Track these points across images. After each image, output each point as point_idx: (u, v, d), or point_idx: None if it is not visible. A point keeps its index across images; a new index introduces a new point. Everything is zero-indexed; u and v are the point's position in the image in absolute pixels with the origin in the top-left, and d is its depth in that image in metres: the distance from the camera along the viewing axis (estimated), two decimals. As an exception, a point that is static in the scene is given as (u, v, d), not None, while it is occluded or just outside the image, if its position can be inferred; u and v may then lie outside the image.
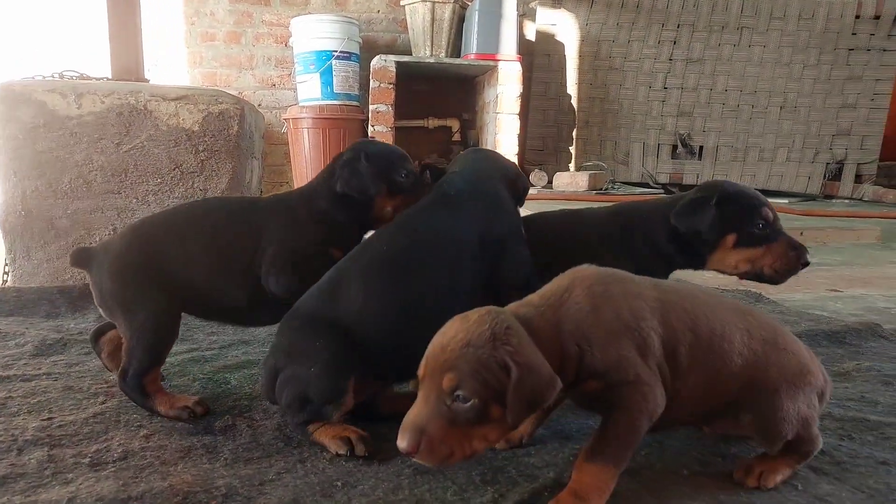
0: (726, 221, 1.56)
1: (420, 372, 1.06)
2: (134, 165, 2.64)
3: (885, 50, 7.07)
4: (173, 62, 6.58)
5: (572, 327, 1.12)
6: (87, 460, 1.29)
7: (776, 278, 1.61)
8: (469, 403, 1.01)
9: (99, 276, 1.60)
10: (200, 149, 2.67)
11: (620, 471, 1.11)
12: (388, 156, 1.74)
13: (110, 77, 3.00)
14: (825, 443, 1.39)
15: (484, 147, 1.86)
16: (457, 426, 1.02)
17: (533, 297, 1.17)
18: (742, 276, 1.63)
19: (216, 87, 6.04)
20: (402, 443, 1.02)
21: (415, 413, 1.04)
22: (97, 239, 2.65)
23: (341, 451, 1.33)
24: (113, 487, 1.18)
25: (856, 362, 1.92)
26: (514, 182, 1.70)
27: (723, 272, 1.65)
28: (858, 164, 7.26)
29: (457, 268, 1.47)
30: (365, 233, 1.75)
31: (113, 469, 1.26)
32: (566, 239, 1.72)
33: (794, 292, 2.96)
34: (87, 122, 2.59)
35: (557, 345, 1.10)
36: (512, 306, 1.15)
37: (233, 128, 2.69)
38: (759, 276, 1.62)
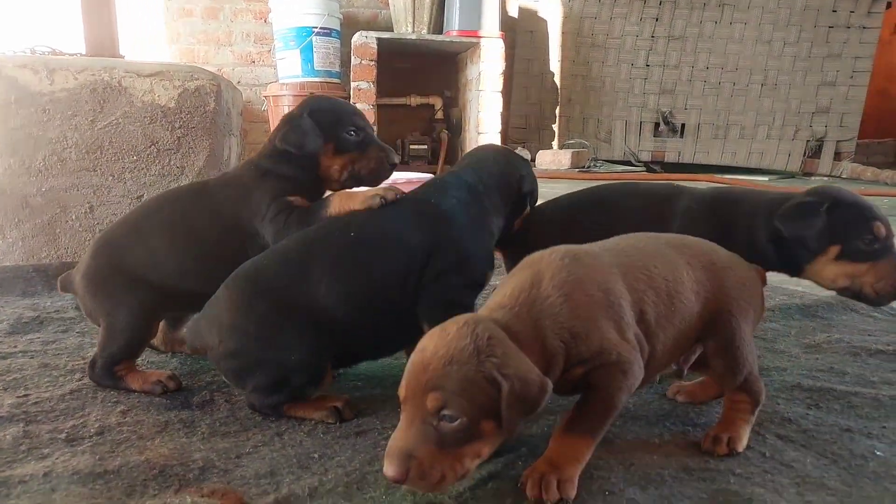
0: (833, 231, 1.46)
1: (401, 393, 1.01)
2: (109, 142, 2.61)
3: (864, 27, 7.10)
4: (151, 39, 6.46)
5: (551, 324, 1.09)
6: (63, 436, 1.29)
7: (877, 300, 1.49)
8: (457, 422, 0.96)
9: (80, 294, 1.63)
10: (177, 126, 2.64)
11: (597, 442, 1.13)
12: (334, 111, 1.66)
13: (84, 53, 2.94)
14: (793, 412, 1.43)
15: (491, 144, 1.82)
16: (446, 447, 0.96)
17: (501, 299, 1.12)
18: (840, 291, 1.52)
19: (193, 64, 5.95)
20: (390, 470, 0.95)
21: (400, 437, 0.98)
22: (73, 217, 2.62)
23: (330, 421, 1.36)
24: (89, 462, 1.18)
25: (826, 335, 1.95)
26: (508, 187, 1.60)
27: (819, 284, 1.55)
28: (838, 141, 7.32)
29: (409, 275, 1.42)
30: (320, 192, 1.68)
31: (89, 444, 1.26)
32: (644, 218, 1.60)
33: (770, 267, 3.00)
34: (60, 99, 2.55)
35: (540, 344, 1.07)
36: (485, 311, 1.11)
37: (209, 104, 2.66)
38: (858, 295, 1.50)
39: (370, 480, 1.14)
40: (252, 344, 1.35)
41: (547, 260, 1.16)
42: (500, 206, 1.59)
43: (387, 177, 1.70)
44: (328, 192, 1.64)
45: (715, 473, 1.17)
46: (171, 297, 1.59)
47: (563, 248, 1.20)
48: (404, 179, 4.65)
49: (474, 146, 6.15)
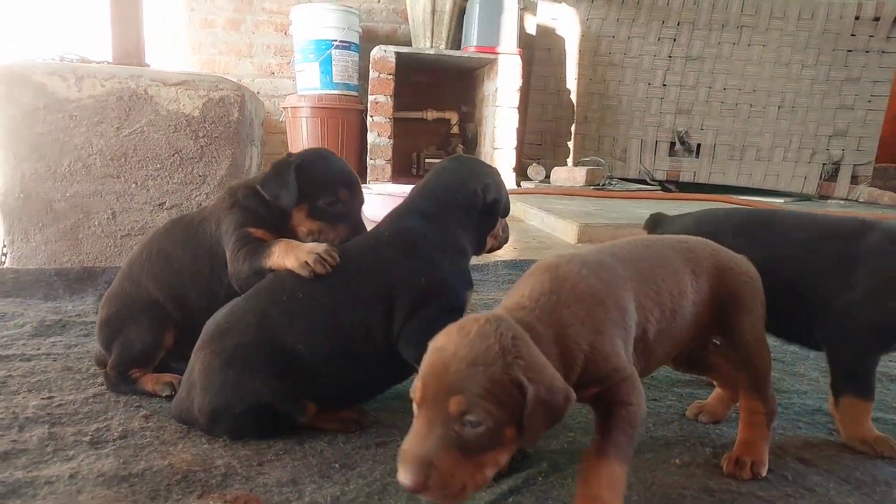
0: None
1: (416, 395, 0.93)
2: (133, 150, 2.64)
3: (883, 52, 7.09)
4: (173, 49, 6.56)
5: (574, 333, 1.04)
6: (87, 438, 1.30)
7: None
8: (481, 428, 0.89)
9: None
10: (200, 135, 2.68)
11: (629, 466, 1.08)
12: (321, 174, 1.58)
13: (111, 61, 2.99)
14: (815, 436, 1.42)
15: (454, 156, 1.67)
16: (468, 454, 0.89)
17: (520, 300, 1.07)
18: None
19: (216, 74, 6.03)
20: (408, 478, 0.87)
21: (416, 443, 0.90)
22: (96, 223, 2.65)
23: (351, 430, 1.38)
24: (114, 465, 1.20)
25: (846, 359, 1.94)
26: (469, 200, 1.47)
27: None
28: (855, 165, 7.29)
29: (370, 325, 1.36)
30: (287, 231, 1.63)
31: (113, 447, 1.27)
32: (815, 258, 1.41)
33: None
34: (87, 106, 2.59)
35: (560, 351, 1.03)
36: (503, 311, 1.05)
37: (233, 114, 2.69)
38: None
39: (391, 491, 1.14)
40: (227, 399, 1.31)
41: (565, 268, 1.12)
42: (464, 221, 1.47)
43: None
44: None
45: (736, 496, 1.16)
46: (187, 323, 1.61)
47: (577, 257, 1.16)
48: (386, 192, 4.69)
49: (489, 161, 6.17)
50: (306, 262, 1.38)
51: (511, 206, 1.59)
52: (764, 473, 1.23)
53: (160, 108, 2.65)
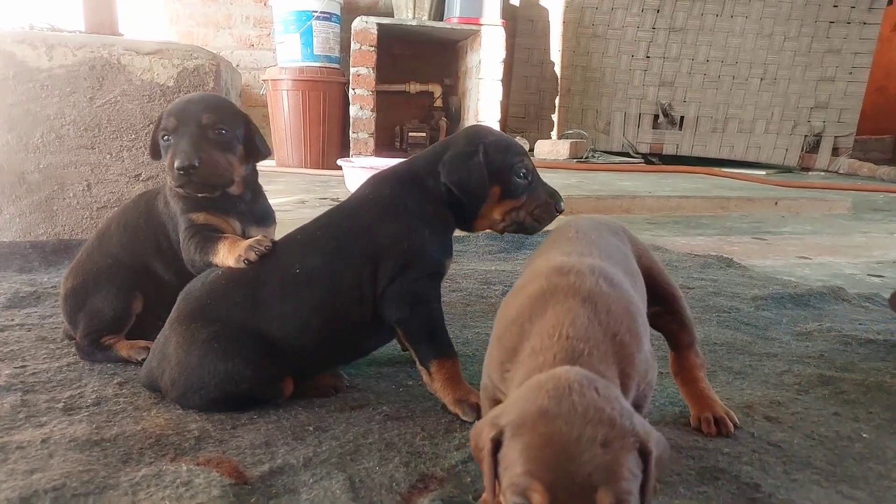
0: None
1: (538, 500, 0.70)
2: (107, 120, 2.60)
3: (865, 23, 7.11)
4: (150, 20, 6.43)
5: (631, 369, 0.91)
6: (60, 405, 1.30)
7: None
8: None
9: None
10: (176, 105, 2.64)
11: None
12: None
13: (83, 30, 2.93)
14: (783, 396, 1.45)
15: (474, 125, 1.51)
16: None
17: (572, 343, 0.88)
18: None
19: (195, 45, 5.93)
20: None
21: None
22: (71, 195, 2.62)
23: (327, 395, 1.38)
24: (86, 430, 1.20)
25: (818, 324, 1.97)
26: (437, 177, 1.42)
27: None
28: (836, 136, 7.35)
29: (361, 287, 1.35)
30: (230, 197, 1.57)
31: (86, 413, 1.27)
32: None
33: (765, 259, 3.02)
34: (59, 76, 2.54)
35: (622, 393, 0.87)
36: (563, 361, 0.86)
37: (208, 84, 2.65)
38: None
39: (364, 452, 1.16)
40: (202, 379, 1.29)
41: (586, 287, 0.96)
42: (437, 194, 1.42)
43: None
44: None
45: (703, 452, 1.19)
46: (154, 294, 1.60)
47: (584, 267, 1.01)
48: (369, 166, 4.66)
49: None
50: (239, 256, 1.38)
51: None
52: (733, 430, 1.26)
53: (134, 78, 2.61)
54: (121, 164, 2.65)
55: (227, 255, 1.40)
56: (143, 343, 1.55)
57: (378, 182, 1.48)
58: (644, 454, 0.74)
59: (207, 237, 1.46)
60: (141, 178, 2.68)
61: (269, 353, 1.31)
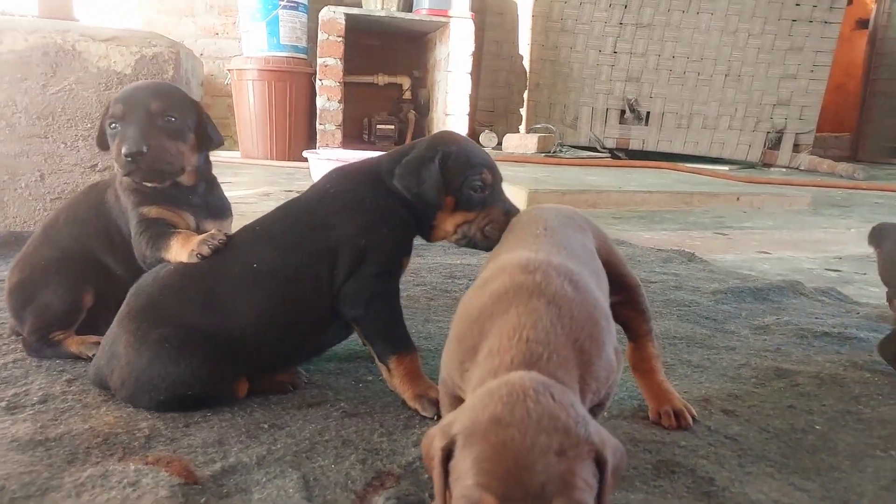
0: None
1: None
2: (62, 108, 2.52)
3: (826, 22, 7.25)
4: (111, 8, 6.26)
5: (591, 373, 0.89)
6: (3, 404, 1.25)
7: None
8: None
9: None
10: (133, 93, 2.56)
11: None
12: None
13: (36, 15, 2.83)
14: (740, 389, 1.47)
15: (442, 132, 1.47)
16: None
17: (529, 346, 0.85)
18: None
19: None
20: None
21: None
22: (23, 185, 2.53)
23: (284, 392, 1.35)
24: (30, 430, 1.15)
25: (775, 317, 2.01)
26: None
27: None
28: (797, 133, 7.50)
29: (320, 281, 1.32)
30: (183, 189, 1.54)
31: (31, 412, 1.23)
32: None
33: (726, 253, 3.07)
34: (9, 61, 2.45)
35: (581, 399, 0.85)
36: (522, 366, 0.83)
37: (167, 72, 2.59)
38: None
39: (320, 450, 1.13)
40: (152, 380, 1.25)
41: (552, 289, 0.93)
42: (396, 196, 1.38)
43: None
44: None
45: (660, 445, 1.19)
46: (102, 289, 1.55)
47: (550, 267, 0.97)
48: (335, 158, 4.62)
49: (442, 128, 6.19)
50: (192, 251, 1.34)
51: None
52: (692, 423, 1.27)
53: (89, 65, 2.53)
54: (76, 153, 2.57)
55: (180, 251, 1.36)
56: (94, 338, 1.50)
57: (339, 176, 1.45)
58: (600, 463, 0.71)
59: (159, 232, 1.42)
60: (97, 169, 2.61)
61: (222, 354, 1.27)
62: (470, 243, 1.40)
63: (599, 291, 1.05)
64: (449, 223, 1.39)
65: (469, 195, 1.36)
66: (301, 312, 1.33)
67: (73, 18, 2.86)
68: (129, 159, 1.39)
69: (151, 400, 1.25)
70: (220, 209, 1.61)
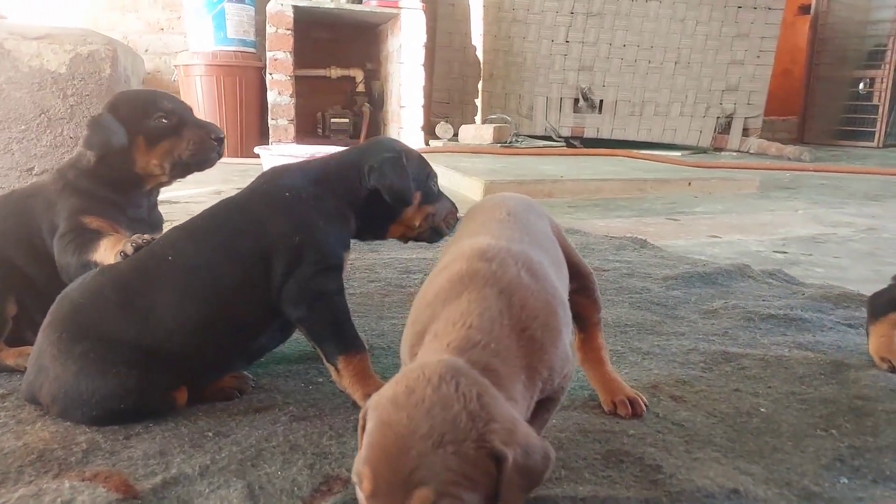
0: None
1: (364, 485, 0.71)
2: (-7, 110, 2.42)
3: (769, 8, 7.42)
4: (48, 4, 6.03)
5: (536, 361, 0.88)
6: (-70, 424, 1.19)
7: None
8: None
9: None
10: (69, 93, 2.47)
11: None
12: (136, 100, 1.52)
13: (-37, 12, 2.71)
14: (688, 374, 1.49)
15: (387, 137, 1.65)
16: None
17: (469, 332, 0.85)
18: None
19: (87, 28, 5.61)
20: None
21: None
22: (-46, 191, 2.43)
23: (231, 398, 1.33)
24: (-42, 450, 1.10)
25: (724, 301, 2.04)
26: (350, 179, 1.41)
27: None
28: (745, 118, 7.67)
29: (251, 286, 1.29)
30: (137, 198, 1.56)
31: (-40, 431, 1.17)
32: None
33: (677, 239, 3.11)
34: (-65, 62, 2.34)
35: (521, 388, 0.85)
36: (450, 350, 0.84)
37: (105, 70, 2.50)
38: None
39: (266, 456, 1.11)
40: (82, 396, 1.20)
41: (506, 278, 0.92)
42: (348, 196, 1.39)
43: (214, 154, 1.58)
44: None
45: (610, 435, 1.20)
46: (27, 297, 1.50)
47: (509, 255, 0.97)
48: (324, 154, 4.56)
49: (396, 120, 6.12)
50: (119, 252, 1.32)
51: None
52: (645, 411, 1.28)
53: (20, 65, 2.43)
54: (10, 157, 2.47)
55: (108, 252, 1.33)
56: (29, 350, 1.43)
57: (275, 174, 1.42)
58: (498, 460, 0.71)
59: (88, 237, 1.38)
60: (34, 173, 2.51)
61: (153, 363, 1.22)
62: (434, 233, 1.49)
63: (559, 281, 1.05)
64: (417, 217, 1.46)
65: (432, 189, 1.46)
66: (233, 315, 1.28)
67: (0, 17, 2.75)
68: (221, 140, 1.56)
69: (84, 415, 1.20)
70: (158, 224, 1.59)
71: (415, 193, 1.41)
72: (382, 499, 0.70)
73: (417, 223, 1.47)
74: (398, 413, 0.72)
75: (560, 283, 1.05)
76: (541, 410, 0.98)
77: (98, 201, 1.47)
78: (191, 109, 1.60)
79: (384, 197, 1.38)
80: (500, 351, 0.84)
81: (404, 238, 1.51)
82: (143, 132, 1.50)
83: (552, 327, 0.91)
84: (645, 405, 1.30)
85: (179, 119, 1.54)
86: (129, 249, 1.30)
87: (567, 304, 1.02)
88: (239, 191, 1.42)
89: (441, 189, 1.52)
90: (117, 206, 1.50)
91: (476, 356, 0.82)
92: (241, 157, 5.80)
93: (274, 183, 1.39)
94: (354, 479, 0.73)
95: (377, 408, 0.74)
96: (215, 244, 1.30)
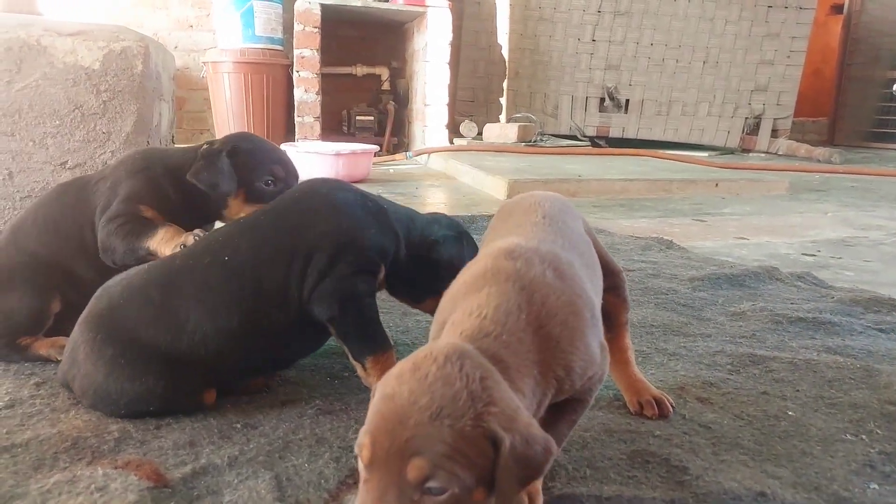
0: None
1: (364, 453, 0.74)
2: (28, 106, 2.46)
3: (801, 8, 7.30)
4: (81, 1, 6.14)
5: (550, 358, 0.88)
6: (-31, 410, 1.23)
7: None
8: (446, 496, 0.72)
9: None
10: (102, 89, 2.51)
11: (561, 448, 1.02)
12: (254, 155, 1.55)
13: None
14: (715, 376, 1.47)
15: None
16: None
17: (482, 322, 0.87)
18: None
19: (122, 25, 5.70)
20: None
21: None
22: (-9, 184, 2.48)
23: (259, 392, 1.35)
24: (-4, 436, 1.13)
25: (751, 303, 2.02)
26: (414, 232, 1.44)
27: None
28: (775, 119, 7.55)
29: (287, 287, 1.29)
30: (201, 219, 1.59)
31: (-3, 418, 1.21)
32: None
33: (704, 240, 3.08)
34: (-26, 58, 2.39)
35: (532, 383, 0.86)
36: (462, 338, 0.86)
37: (137, 66, 2.54)
38: None
39: (293, 449, 1.12)
40: (110, 395, 1.22)
41: (529, 275, 0.93)
42: (401, 233, 1.42)
43: None
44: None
45: (635, 435, 1.20)
46: (70, 292, 1.53)
47: (536, 255, 0.97)
48: (349, 151, 4.59)
49: (421, 118, 6.12)
50: (178, 243, 1.34)
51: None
52: (671, 412, 1.27)
53: (56, 61, 2.47)
54: (45, 151, 2.51)
55: (166, 242, 1.36)
56: (63, 340, 1.46)
57: (320, 181, 1.46)
58: (494, 441, 0.72)
59: (143, 224, 1.42)
60: (68, 166, 2.56)
61: (184, 368, 1.23)
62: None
63: (590, 283, 1.04)
64: None
65: None
66: (268, 321, 1.28)
67: (36, 13, 2.80)
68: None
69: (113, 413, 1.22)
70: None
71: None
72: (380, 467, 0.72)
73: None
74: (401, 387, 0.74)
75: (593, 287, 1.05)
76: (566, 411, 0.98)
77: (166, 201, 1.51)
78: (297, 178, 1.60)
79: (439, 272, 1.39)
80: (511, 343, 0.85)
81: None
82: (247, 187, 1.53)
83: (573, 327, 0.91)
84: (671, 406, 1.29)
85: (284, 188, 1.55)
86: (190, 241, 1.32)
87: (597, 307, 1.01)
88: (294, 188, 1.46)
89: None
90: (178, 213, 1.52)
91: (486, 345, 0.83)
92: (268, 153, 5.85)
93: (328, 185, 1.42)
94: (356, 450, 0.75)
95: (383, 383, 0.77)
96: (264, 242, 1.31)
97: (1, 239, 1.58)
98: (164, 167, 1.54)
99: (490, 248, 1.04)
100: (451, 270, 1.32)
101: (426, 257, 1.42)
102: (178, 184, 1.52)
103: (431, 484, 0.71)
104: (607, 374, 1.01)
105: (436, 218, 1.52)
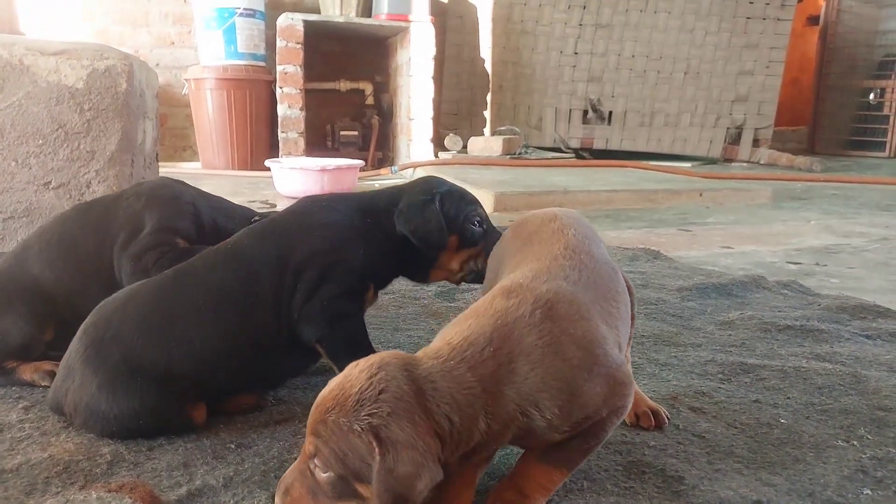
0: None
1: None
2: (11, 125, 2.44)
3: (778, 19, 7.43)
4: (61, 18, 6.11)
5: (514, 395, 0.89)
6: (-45, 436, 1.21)
7: None
8: (328, 475, 0.85)
9: None
10: (86, 107, 2.50)
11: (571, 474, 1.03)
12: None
13: (-18, 29, 2.75)
14: (707, 385, 1.48)
15: (434, 177, 1.56)
16: (318, 497, 0.87)
17: (441, 345, 0.93)
18: None
19: (103, 43, 5.68)
20: (275, 499, 0.92)
21: (290, 468, 0.92)
22: (-27, 205, 2.45)
23: (249, 412, 1.33)
24: (-16, 462, 1.11)
25: (740, 312, 2.04)
26: (388, 219, 1.42)
27: None
28: (756, 128, 7.65)
29: (285, 286, 1.29)
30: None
31: (-14, 443, 1.18)
32: None
33: (690, 250, 3.11)
34: (-45, 78, 2.37)
35: (455, 409, 0.87)
36: (420, 353, 0.93)
37: (121, 85, 2.53)
38: None
39: (288, 468, 1.11)
40: (101, 409, 1.21)
41: (515, 314, 0.94)
42: (391, 235, 1.40)
43: None
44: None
45: (631, 446, 1.20)
46: (66, 316, 1.49)
47: (532, 294, 0.97)
48: (334, 166, 4.59)
49: (405, 132, 6.13)
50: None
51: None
52: (667, 423, 1.28)
53: (39, 80, 2.46)
54: (28, 171, 2.49)
55: None
56: (47, 366, 1.44)
57: (321, 197, 1.45)
58: (367, 447, 0.82)
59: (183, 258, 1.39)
60: (51, 186, 2.54)
61: (173, 383, 1.22)
62: (478, 277, 1.44)
63: (606, 318, 1.01)
64: (455, 261, 1.45)
65: (472, 230, 1.43)
66: (256, 336, 1.28)
67: (18, 32, 2.79)
68: None
69: (104, 430, 1.21)
70: None
71: (451, 237, 1.40)
72: (306, 436, 0.88)
73: (456, 267, 1.45)
74: (335, 380, 0.89)
75: (610, 320, 1.02)
76: (576, 438, 0.96)
77: (200, 228, 1.56)
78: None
79: (412, 245, 1.38)
80: (453, 370, 0.88)
81: (450, 281, 1.50)
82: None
83: (548, 366, 0.91)
84: (666, 417, 1.29)
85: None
86: None
87: (610, 341, 0.98)
88: (273, 215, 1.45)
89: (494, 227, 1.47)
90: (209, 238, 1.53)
91: (428, 365, 0.89)
92: (251, 170, 5.84)
93: (320, 204, 1.41)
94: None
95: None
96: (254, 255, 1.31)
97: (5, 259, 1.56)
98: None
99: (497, 285, 1.05)
100: (425, 238, 1.37)
101: (403, 237, 1.39)
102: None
103: (315, 461, 0.86)
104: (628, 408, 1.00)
105: (410, 185, 1.47)
